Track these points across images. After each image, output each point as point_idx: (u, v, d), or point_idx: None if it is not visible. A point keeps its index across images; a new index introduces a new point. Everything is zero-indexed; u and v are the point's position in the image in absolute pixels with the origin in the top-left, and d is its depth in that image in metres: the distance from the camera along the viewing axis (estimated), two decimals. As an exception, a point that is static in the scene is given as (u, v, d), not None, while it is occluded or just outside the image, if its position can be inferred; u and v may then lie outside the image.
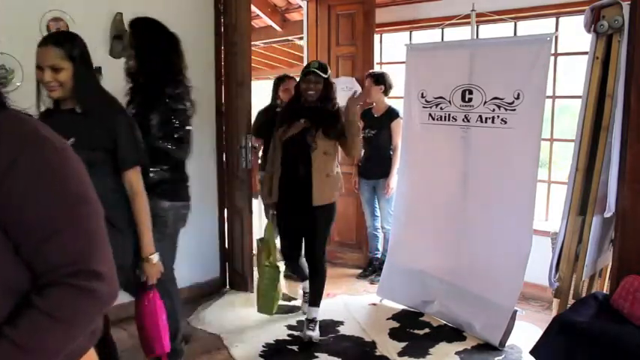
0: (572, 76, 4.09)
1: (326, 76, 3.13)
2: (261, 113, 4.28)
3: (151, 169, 2.27)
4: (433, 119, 3.58)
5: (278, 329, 3.40)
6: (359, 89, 4.51)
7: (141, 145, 2.13)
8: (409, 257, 3.71)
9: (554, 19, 4.01)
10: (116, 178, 2.07)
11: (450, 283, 3.48)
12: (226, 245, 4.08)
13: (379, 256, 4.45)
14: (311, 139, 3.08)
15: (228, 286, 4.09)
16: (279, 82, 4.33)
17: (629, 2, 2.52)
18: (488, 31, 4.34)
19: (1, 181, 0.78)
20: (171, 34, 2.55)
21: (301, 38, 5.38)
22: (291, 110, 3.24)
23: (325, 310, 3.58)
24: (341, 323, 3.52)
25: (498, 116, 3.24)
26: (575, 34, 3.71)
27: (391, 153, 4.18)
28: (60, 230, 0.82)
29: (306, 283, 3.49)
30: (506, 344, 3.18)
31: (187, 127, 2.53)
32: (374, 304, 3.87)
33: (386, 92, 4.25)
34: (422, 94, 3.63)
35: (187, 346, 2.90)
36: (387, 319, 3.61)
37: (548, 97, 3.73)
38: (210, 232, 3.98)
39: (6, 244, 0.80)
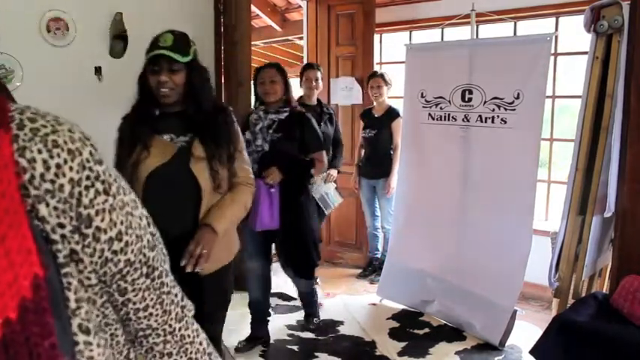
0: (572, 76, 4.09)
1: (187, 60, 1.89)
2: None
3: None
4: (433, 119, 3.58)
5: (278, 329, 3.40)
6: (359, 89, 4.53)
7: None
8: (409, 257, 3.71)
9: (554, 19, 4.01)
10: None
11: (450, 283, 3.48)
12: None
13: (379, 256, 4.44)
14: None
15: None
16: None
17: (629, 2, 2.52)
18: (488, 31, 4.34)
19: None
20: None
21: (301, 38, 5.38)
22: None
23: (325, 310, 3.59)
24: (341, 323, 3.52)
25: (498, 116, 3.24)
26: (575, 34, 3.71)
27: (392, 153, 4.18)
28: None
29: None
30: (506, 344, 3.18)
31: None
32: (374, 304, 3.87)
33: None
34: (422, 93, 3.63)
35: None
36: (387, 318, 3.61)
37: (548, 97, 3.73)
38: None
39: None
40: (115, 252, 0.59)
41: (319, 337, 3.29)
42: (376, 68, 4.58)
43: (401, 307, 3.77)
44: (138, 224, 0.62)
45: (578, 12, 3.57)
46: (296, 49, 7.00)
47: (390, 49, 5.05)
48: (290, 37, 6.41)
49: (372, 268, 4.45)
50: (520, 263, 3.12)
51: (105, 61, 3.14)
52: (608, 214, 2.69)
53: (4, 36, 2.80)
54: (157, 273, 0.65)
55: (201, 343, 0.75)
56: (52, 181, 0.52)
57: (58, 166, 0.52)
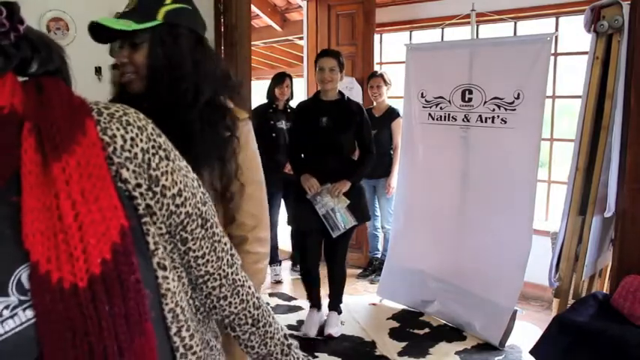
0: (572, 76, 4.09)
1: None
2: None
3: None
4: (433, 119, 3.58)
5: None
6: (359, 89, 4.53)
7: None
8: (409, 257, 3.71)
9: (554, 19, 4.01)
10: None
11: (450, 283, 3.48)
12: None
13: (379, 256, 4.45)
14: None
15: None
16: (276, 80, 4.28)
17: (629, 2, 2.52)
18: (488, 31, 4.34)
19: None
20: None
21: (301, 38, 5.38)
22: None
23: (325, 310, 3.59)
24: (341, 323, 3.52)
25: (498, 116, 3.24)
26: (575, 34, 3.71)
27: (392, 153, 4.18)
28: None
29: None
30: (506, 344, 3.18)
31: None
32: (374, 304, 3.87)
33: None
34: (422, 93, 3.63)
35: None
36: (387, 318, 3.61)
37: (548, 97, 3.73)
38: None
39: None
40: (177, 205, 0.73)
41: (319, 337, 3.29)
42: (376, 68, 4.58)
43: (401, 307, 3.77)
44: (192, 184, 0.76)
45: (578, 12, 3.57)
46: (296, 49, 6.99)
47: (390, 49, 5.05)
48: (290, 37, 6.41)
49: (372, 268, 4.45)
50: (520, 263, 3.12)
51: (105, 61, 3.14)
52: (608, 214, 2.69)
53: (4, 36, 2.80)
54: (209, 224, 0.79)
55: (250, 287, 0.87)
56: (129, 151, 0.66)
57: (132, 139, 0.66)
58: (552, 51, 3.23)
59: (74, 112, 0.63)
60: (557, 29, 3.97)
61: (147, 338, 0.63)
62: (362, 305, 3.85)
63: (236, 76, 3.87)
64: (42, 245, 0.57)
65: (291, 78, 4.22)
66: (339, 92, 3.25)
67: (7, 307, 0.57)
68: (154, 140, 0.69)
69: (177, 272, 0.74)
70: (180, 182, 0.73)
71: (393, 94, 4.35)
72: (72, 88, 0.70)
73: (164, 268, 0.70)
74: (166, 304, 0.70)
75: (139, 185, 0.67)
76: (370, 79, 4.26)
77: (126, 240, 0.61)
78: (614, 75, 2.60)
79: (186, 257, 0.77)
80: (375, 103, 4.28)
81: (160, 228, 0.72)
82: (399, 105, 4.13)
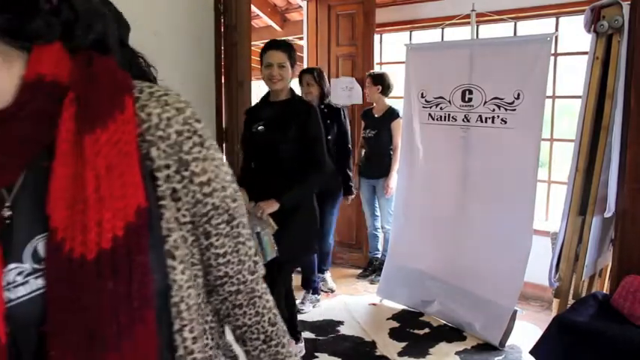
0: (572, 76, 4.09)
1: None
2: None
3: None
4: (433, 119, 3.58)
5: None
6: (359, 89, 4.54)
7: None
8: (409, 257, 3.71)
9: (554, 19, 4.01)
10: None
11: (450, 283, 3.48)
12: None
13: (379, 256, 4.44)
14: None
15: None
16: None
17: (629, 2, 2.52)
18: (488, 31, 4.34)
19: None
20: None
21: (301, 38, 5.38)
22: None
23: (325, 310, 3.59)
24: (341, 323, 3.52)
25: (498, 116, 3.24)
26: (575, 34, 3.71)
27: (391, 153, 4.18)
28: None
29: None
30: (506, 344, 3.18)
31: None
32: (374, 304, 3.87)
33: (385, 92, 4.24)
34: (422, 94, 3.63)
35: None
36: (387, 319, 3.61)
37: (548, 97, 3.73)
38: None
39: None
40: (204, 194, 0.71)
41: (319, 337, 3.29)
42: (376, 68, 4.58)
43: (401, 307, 3.77)
44: (224, 177, 0.74)
45: (578, 12, 3.57)
46: (296, 49, 6.99)
47: (390, 49, 5.05)
48: (290, 37, 6.40)
49: (372, 268, 4.45)
50: (520, 263, 3.12)
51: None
52: (608, 214, 2.69)
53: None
54: (235, 222, 0.76)
55: (268, 301, 0.83)
56: (163, 130, 0.66)
57: (168, 119, 0.66)
58: (552, 51, 3.23)
59: (116, 89, 0.64)
60: (557, 29, 3.97)
61: (147, 327, 0.62)
62: (362, 305, 3.85)
63: (236, 76, 3.76)
64: (62, 212, 0.58)
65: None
66: (291, 91, 2.79)
67: (20, 274, 0.59)
68: (191, 124, 0.68)
69: (189, 267, 0.71)
70: (211, 172, 0.71)
71: (393, 94, 4.34)
72: (126, 61, 0.72)
73: (173, 257, 0.68)
74: (171, 296, 0.68)
75: (167, 166, 0.67)
76: (366, 79, 4.28)
77: (140, 220, 0.61)
78: (614, 75, 2.60)
79: (207, 253, 0.75)
80: (375, 104, 4.28)
81: (185, 215, 0.70)
82: (399, 105, 4.13)
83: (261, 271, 0.83)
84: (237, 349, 0.86)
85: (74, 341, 0.58)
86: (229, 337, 0.85)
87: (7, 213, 0.61)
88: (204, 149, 0.70)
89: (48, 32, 0.61)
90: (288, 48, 2.76)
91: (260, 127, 2.66)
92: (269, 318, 0.82)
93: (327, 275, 4.18)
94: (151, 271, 0.62)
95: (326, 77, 3.97)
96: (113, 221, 0.59)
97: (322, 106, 3.72)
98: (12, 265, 0.59)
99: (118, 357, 0.59)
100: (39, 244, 0.60)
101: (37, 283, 0.59)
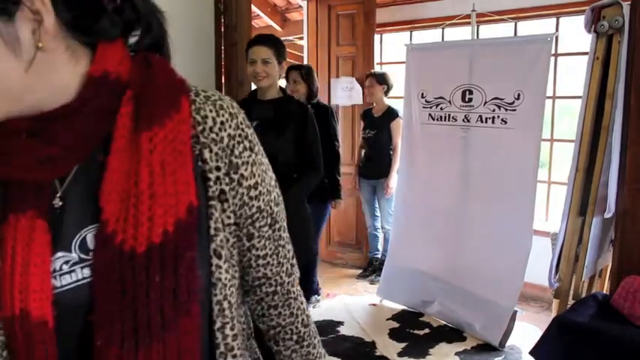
0: (572, 77, 4.09)
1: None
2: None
3: None
4: (433, 119, 3.58)
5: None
6: (359, 89, 4.53)
7: None
8: (409, 257, 3.71)
9: (554, 19, 4.01)
10: None
11: (450, 284, 3.48)
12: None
13: (379, 256, 4.44)
14: None
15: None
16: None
17: (629, 2, 2.52)
18: (488, 31, 4.34)
19: None
20: None
21: (301, 38, 5.38)
22: None
23: (325, 311, 3.59)
24: (341, 323, 3.52)
25: (498, 116, 3.24)
26: (575, 34, 3.71)
27: (391, 153, 4.18)
28: None
29: None
30: (506, 344, 3.18)
31: None
32: (374, 304, 3.86)
33: (387, 92, 4.25)
34: (422, 94, 3.63)
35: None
36: (387, 319, 3.60)
37: (548, 97, 3.73)
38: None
39: None
40: (250, 197, 0.73)
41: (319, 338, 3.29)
42: (376, 68, 4.58)
43: (401, 307, 3.77)
44: (269, 182, 0.76)
45: (578, 12, 3.57)
46: (296, 49, 6.99)
47: (390, 49, 5.05)
48: (290, 37, 6.40)
49: (372, 269, 4.44)
50: (520, 264, 3.12)
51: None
52: (608, 214, 2.69)
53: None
54: (277, 225, 0.78)
55: (302, 303, 0.86)
56: (217, 133, 0.68)
57: (222, 122, 0.68)
58: (552, 51, 3.23)
59: (174, 89, 0.66)
60: (557, 29, 3.97)
61: (192, 320, 0.63)
62: (362, 305, 3.85)
63: (236, 75, 3.72)
64: (114, 205, 0.60)
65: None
66: (281, 89, 2.71)
67: (66, 262, 0.61)
68: (242, 130, 0.71)
69: (232, 266, 0.73)
70: (259, 176, 0.73)
71: (393, 94, 4.34)
72: (170, 58, 0.73)
73: (219, 257, 0.69)
74: (215, 294, 0.69)
75: (217, 168, 0.68)
76: (366, 78, 4.27)
77: (191, 217, 0.63)
78: (614, 75, 2.59)
79: (247, 255, 0.76)
80: (374, 104, 4.28)
81: (229, 217, 0.71)
82: (399, 105, 4.13)
83: (297, 273, 0.85)
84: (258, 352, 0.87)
85: (120, 332, 0.59)
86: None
87: (58, 203, 0.63)
88: (253, 154, 0.72)
89: (111, 31, 0.63)
90: (273, 43, 2.62)
91: (254, 125, 2.45)
92: (302, 319, 0.85)
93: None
94: (198, 267, 0.64)
95: (315, 75, 3.78)
96: (164, 217, 0.61)
97: (309, 106, 3.60)
98: (59, 254, 0.61)
99: (161, 348, 0.61)
100: (88, 235, 0.62)
101: (83, 272, 0.61)
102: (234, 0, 3.78)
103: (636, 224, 2.53)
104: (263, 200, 0.74)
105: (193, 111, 0.66)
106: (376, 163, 4.22)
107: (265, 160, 0.76)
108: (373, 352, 3.14)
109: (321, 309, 3.75)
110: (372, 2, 4.50)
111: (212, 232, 0.68)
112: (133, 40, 0.68)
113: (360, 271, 4.55)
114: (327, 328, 3.44)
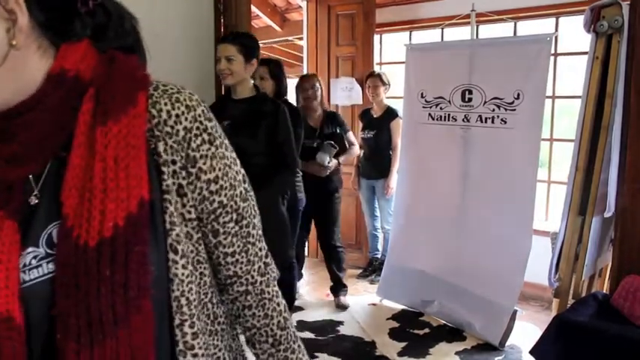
0: (572, 76, 4.09)
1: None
2: None
3: None
4: (433, 119, 3.58)
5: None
6: (359, 89, 4.53)
7: None
8: (409, 257, 3.71)
9: (554, 19, 4.01)
10: None
11: (450, 283, 3.48)
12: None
13: (379, 256, 4.44)
14: None
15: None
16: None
17: (629, 2, 2.52)
18: (488, 31, 4.34)
19: None
20: None
21: (301, 38, 5.38)
22: None
23: (325, 310, 3.59)
24: (341, 323, 3.52)
25: (498, 116, 3.24)
26: (575, 34, 3.71)
27: (391, 153, 4.18)
28: None
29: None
30: (506, 344, 3.18)
31: None
32: (374, 304, 3.87)
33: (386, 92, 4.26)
34: (422, 94, 3.63)
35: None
36: (387, 319, 3.61)
37: (548, 97, 3.73)
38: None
39: None
40: (211, 192, 0.71)
41: (319, 337, 3.29)
42: (376, 68, 4.58)
43: (401, 307, 3.77)
44: (234, 176, 0.74)
45: (578, 12, 3.57)
46: (296, 49, 6.99)
47: (390, 49, 5.06)
48: (290, 38, 6.41)
49: (372, 268, 4.45)
50: (520, 263, 3.12)
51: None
52: (608, 214, 2.69)
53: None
54: (245, 222, 0.76)
55: (279, 305, 0.82)
56: (172, 127, 0.67)
57: (177, 115, 0.68)
58: (552, 51, 3.23)
59: (132, 86, 0.66)
60: (557, 29, 3.98)
61: (143, 316, 0.62)
62: (362, 305, 3.85)
63: None
64: (73, 200, 0.61)
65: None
66: (255, 87, 2.64)
67: (35, 257, 0.62)
68: (200, 122, 0.70)
69: (193, 262, 0.71)
70: (220, 170, 0.72)
71: (393, 94, 4.35)
72: (146, 60, 0.74)
73: (175, 252, 0.68)
74: (172, 290, 0.68)
75: (173, 162, 0.68)
76: (368, 78, 4.26)
77: (142, 212, 0.63)
78: (614, 75, 2.60)
79: (215, 252, 0.75)
80: (374, 104, 4.28)
81: (190, 211, 0.70)
82: (398, 105, 4.13)
83: (273, 273, 0.82)
84: (249, 354, 0.85)
85: (76, 326, 0.59)
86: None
87: (34, 200, 0.64)
88: (213, 147, 0.71)
89: (82, 33, 0.65)
90: (238, 39, 2.56)
91: (225, 124, 2.40)
92: (278, 321, 0.82)
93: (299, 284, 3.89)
94: (150, 263, 0.63)
95: (285, 72, 3.40)
96: (116, 211, 0.61)
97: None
98: (30, 249, 0.62)
99: (114, 344, 0.60)
100: (54, 230, 0.63)
101: (48, 267, 0.62)
102: (234, 0, 3.78)
103: (636, 223, 2.53)
104: (226, 195, 0.73)
105: (150, 105, 0.67)
106: (376, 163, 4.23)
107: (230, 154, 0.75)
108: (373, 352, 3.14)
109: (322, 309, 3.76)
110: (371, 2, 4.50)
111: (167, 226, 0.68)
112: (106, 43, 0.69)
113: (360, 270, 4.55)
114: (327, 327, 3.44)
